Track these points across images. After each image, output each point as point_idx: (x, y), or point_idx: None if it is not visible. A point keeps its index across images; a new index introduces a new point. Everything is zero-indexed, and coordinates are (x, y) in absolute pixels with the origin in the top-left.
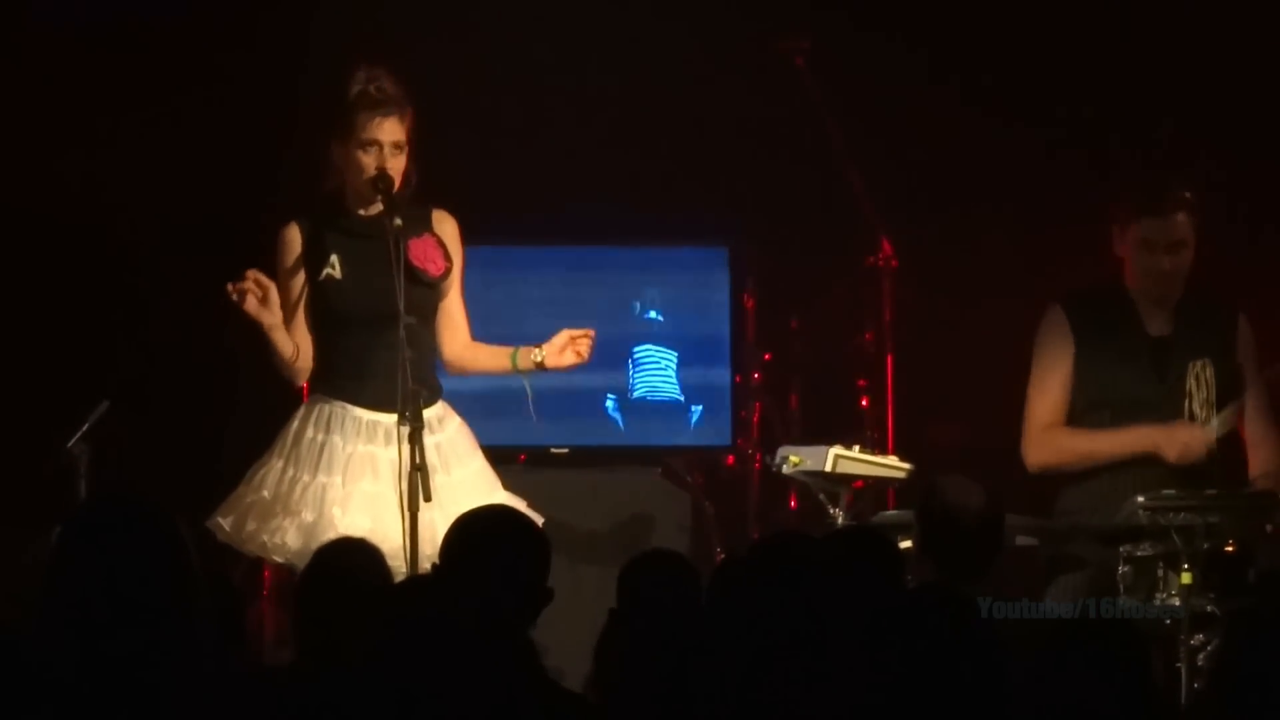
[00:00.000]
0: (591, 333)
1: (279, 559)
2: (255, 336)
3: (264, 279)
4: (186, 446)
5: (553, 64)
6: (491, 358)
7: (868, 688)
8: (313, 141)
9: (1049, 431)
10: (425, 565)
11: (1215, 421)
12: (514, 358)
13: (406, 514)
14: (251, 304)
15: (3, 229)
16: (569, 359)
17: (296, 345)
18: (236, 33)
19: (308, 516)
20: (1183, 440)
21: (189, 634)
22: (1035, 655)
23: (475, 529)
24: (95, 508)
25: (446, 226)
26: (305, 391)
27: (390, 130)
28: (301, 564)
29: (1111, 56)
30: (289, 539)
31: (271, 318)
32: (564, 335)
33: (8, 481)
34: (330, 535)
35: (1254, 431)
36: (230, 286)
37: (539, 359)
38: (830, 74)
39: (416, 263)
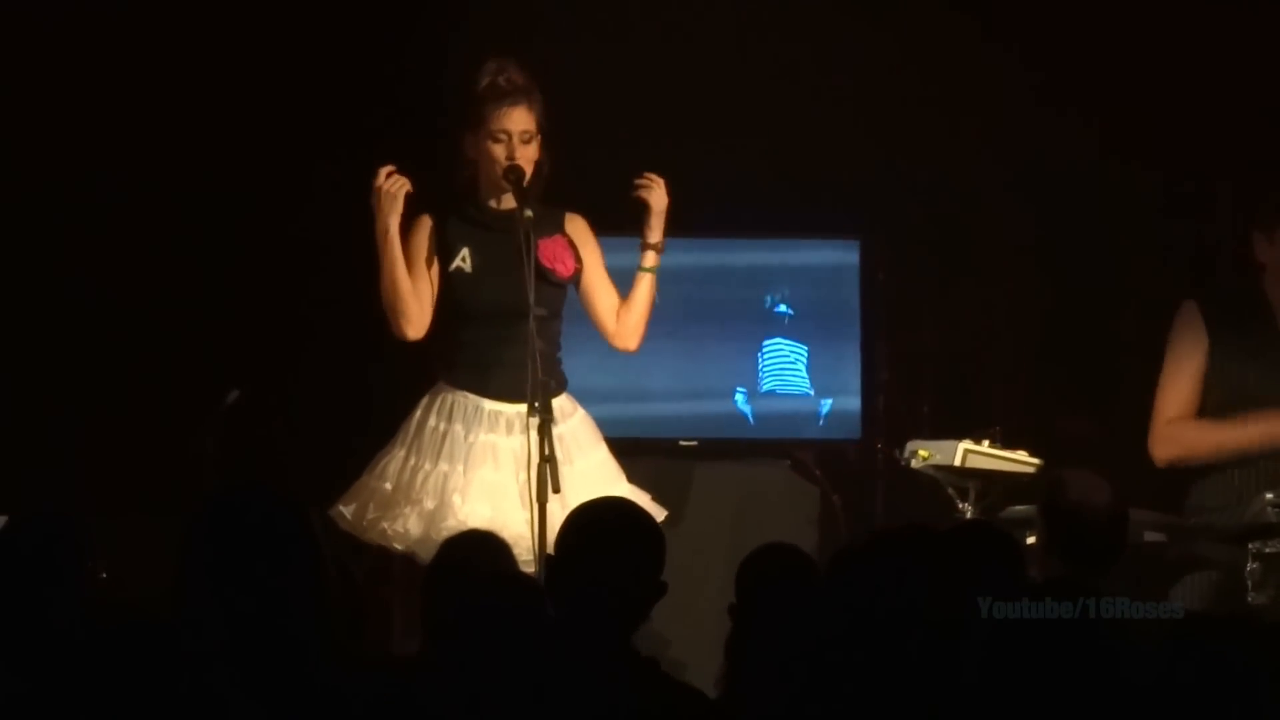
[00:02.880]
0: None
1: (400, 547)
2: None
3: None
4: (314, 435)
5: (680, 56)
6: (636, 293)
7: (989, 679)
8: (447, 130)
9: (1176, 425)
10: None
11: None
12: (643, 268)
13: (535, 504)
14: (390, 194)
15: (140, 221)
16: (658, 201)
17: (418, 294)
18: (330, 21)
19: (429, 504)
20: None
21: (321, 623)
22: (1158, 650)
23: (587, 522)
24: (229, 498)
25: (578, 226)
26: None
27: (519, 119)
28: (422, 552)
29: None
30: (410, 526)
31: (393, 218)
32: (646, 200)
33: (139, 469)
34: (450, 522)
35: None
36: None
37: (651, 243)
38: (962, 67)
39: (546, 262)
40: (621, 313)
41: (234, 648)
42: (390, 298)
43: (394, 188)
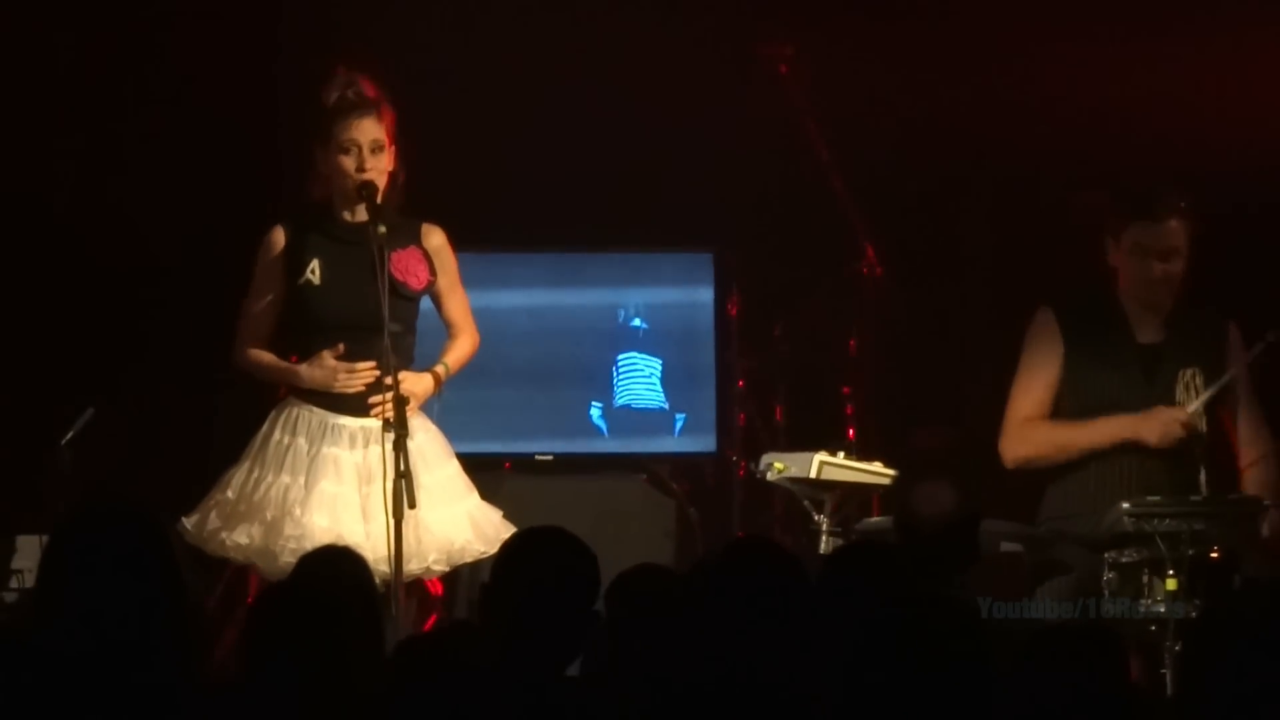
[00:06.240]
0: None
1: (238, 558)
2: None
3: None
4: (170, 453)
5: (535, 69)
6: (452, 366)
7: (855, 691)
8: (298, 145)
9: (1026, 425)
10: (382, 568)
11: (1195, 403)
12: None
13: (390, 520)
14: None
15: None
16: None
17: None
18: (222, 36)
19: (268, 515)
20: (1162, 422)
21: (180, 639)
22: (1012, 661)
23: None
24: (88, 514)
25: (434, 238)
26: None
27: (368, 130)
28: (261, 562)
29: (1098, 64)
30: (248, 537)
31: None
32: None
33: None
34: (289, 533)
35: (1244, 437)
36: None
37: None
38: (814, 79)
39: (398, 275)
40: (448, 344)
41: (93, 661)
42: (261, 378)
43: (343, 387)
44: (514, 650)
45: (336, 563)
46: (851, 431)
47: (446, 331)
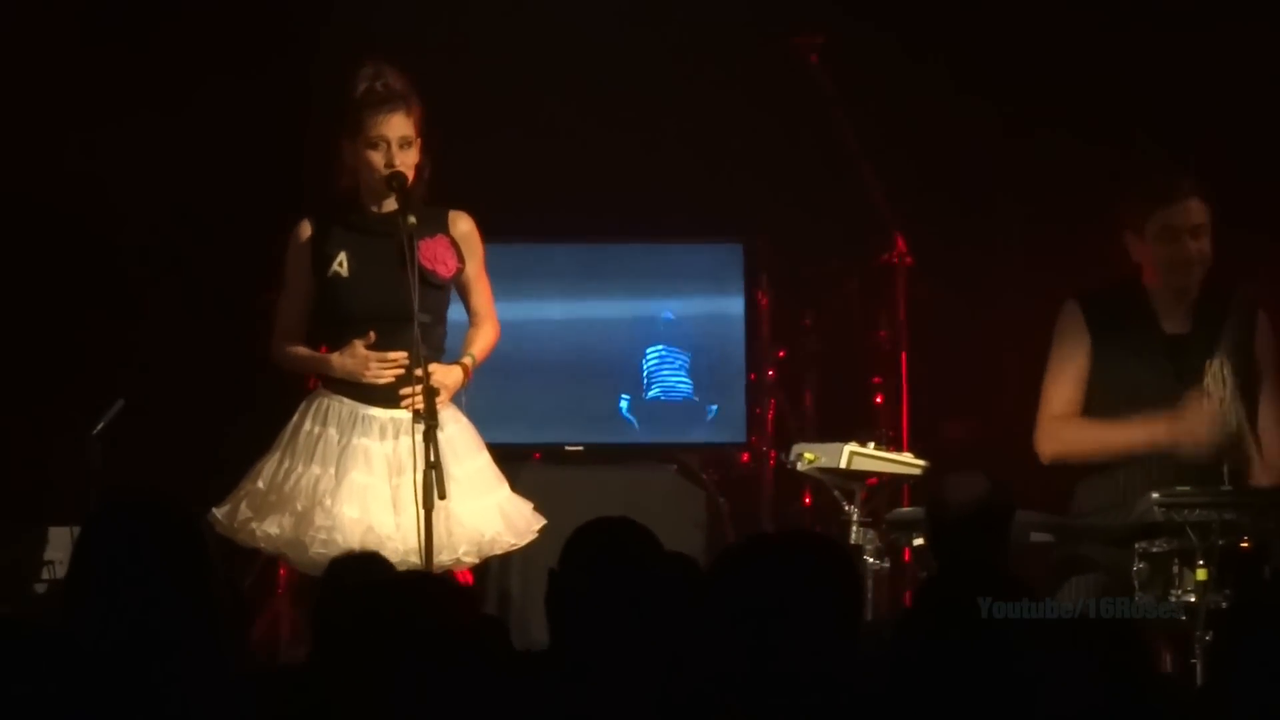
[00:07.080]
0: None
1: (268, 548)
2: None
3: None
4: (199, 445)
5: (565, 60)
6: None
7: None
8: (325, 137)
9: (1061, 422)
10: (412, 559)
11: (1232, 413)
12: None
13: (420, 511)
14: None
15: (11, 225)
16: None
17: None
18: (250, 28)
19: (299, 506)
20: (1198, 429)
21: (210, 630)
22: (1034, 656)
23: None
24: (116, 506)
25: (462, 225)
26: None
27: (397, 126)
28: (291, 553)
29: (1126, 55)
30: (278, 528)
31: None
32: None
33: (12, 478)
34: (319, 523)
35: (1268, 426)
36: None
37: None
38: (844, 69)
39: (426, 264)
40: (472, 334)
41: (123, 652)
42: (296, 370)
43: (374, 377)
44: (579, 636)
45: (367, 569)
46: (881, 421)
47: (469, 319)
